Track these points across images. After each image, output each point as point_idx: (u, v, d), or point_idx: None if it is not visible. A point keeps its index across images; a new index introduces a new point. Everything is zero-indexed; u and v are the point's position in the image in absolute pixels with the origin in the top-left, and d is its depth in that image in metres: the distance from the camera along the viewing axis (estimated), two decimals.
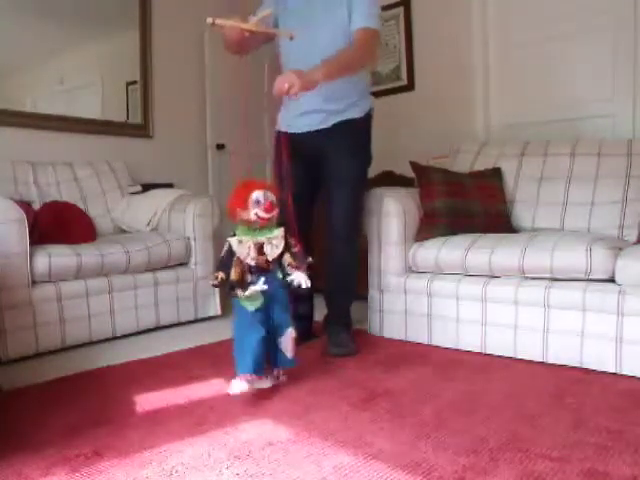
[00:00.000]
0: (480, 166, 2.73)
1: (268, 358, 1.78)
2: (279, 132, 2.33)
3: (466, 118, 3.53)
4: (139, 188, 3.27)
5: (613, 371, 1.89)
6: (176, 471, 1.28)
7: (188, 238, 2.85)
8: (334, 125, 2.24)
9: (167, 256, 2.73)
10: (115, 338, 2.54)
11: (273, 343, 1.77)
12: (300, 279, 1.74)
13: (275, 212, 1.74)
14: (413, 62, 3.79)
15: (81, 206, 2.97)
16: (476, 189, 2.52)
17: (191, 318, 2.85)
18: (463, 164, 2.79)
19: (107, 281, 2.51)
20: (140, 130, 3.65)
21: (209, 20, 1.78)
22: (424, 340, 2.35)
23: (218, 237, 2.89)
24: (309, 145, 2.27)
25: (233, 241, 1.73)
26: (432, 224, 2.43)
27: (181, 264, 2.85)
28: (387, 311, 2.47)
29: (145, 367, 2.10)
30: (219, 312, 2.94)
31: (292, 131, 2.29)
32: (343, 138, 2.23)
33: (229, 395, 1.69)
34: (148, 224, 2.98)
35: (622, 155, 2.40)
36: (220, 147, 3.95)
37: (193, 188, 3.61)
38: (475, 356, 2.16)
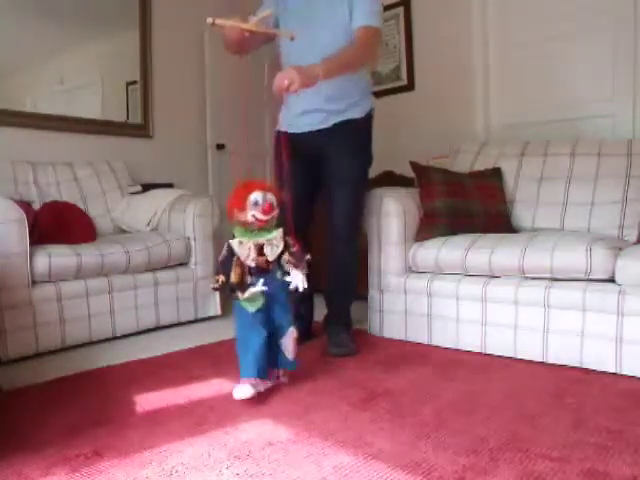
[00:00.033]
0: (480, 166, 2.73)
1: (269, 359, 1.78)
2: (279, 132, 2.33)
3: (466, 118, 3.53)
4: (139, 188, 3.27)
5: (613, 371, 1.89)
6: (176, 471, 1.28)
7: (188, 238, 2.85)
8: (335, 125, 2.24)
9: (167, 256, 2.73)
10: (115, 338, 2.54)
11: (274, 344, 1.77)
12: (297, 282, 1.72)
13: (273, 214, 1.72)
14: (413, 62, 3.80)
15: (81, 206, 2.97)
16: (476, 189, 2.52)
17: (191, 318, 2.85)
18: (463, 164, 2.79)
19: (107, 281, 2.51)
20: (140, 130, 3.65)
21: (209, 20, 1.78)
22: (424, 340, 2.35)
23: (218, 237, 2.89)
24: (310, 145, 2.27)
25: (234, 243, 1.72)
26: (432, 224, 2.43)
27: (181, 264, 2.85)
28: (387, 311, 2.47)
29: (145, 367, 2.10)
30: (219, 312, 2.94)
31: (293, 131, 2.29)
32: (344, 138, 2.23)
33: (230, 396, 1.69)
34: (148, 224, 2.98)
35: (622, 155, 2.40)
36: (220, 147, 3.95)
37: (193, 188, 3.61)
38: (475, 356, 2.16)
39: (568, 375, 1.90)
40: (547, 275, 2.04)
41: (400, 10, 3.79)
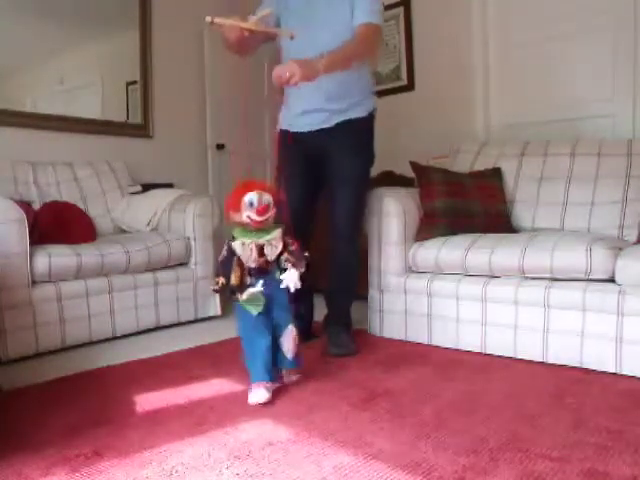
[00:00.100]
0: (480, 166, 2.73)
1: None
2: (280, 130, 2.32)
3: (466, 118, 3.53)
4: (139, 188, 3.27)
5: (613, 371, 1.89)
6: (176, 471, 1.28)
7: (188, 238, 2.85)
8: (337, 124, 2.24)
9: (167, 256, 2.73)
10: (115, 338, 2.54)
11: (275, 344, 1.76)
12: (289, 282, 1.71)
13: (269, 215, 1.70)
14: (413, 62, 3.80)
15: (81, 206, 2.97)
16: (476, 189, 2.52)
17: (191, 318, 2.85)
18: (463, 164, 2.79)
19: (107, 281, 2.50)
20: (140, 130, 3.65)
21: (208, 19, 1.77)
22: (424, 340, 2.35)
23: (218, 237, 2.89)
24: (311, 144, 2.27)
25: (236, 244, 1.72)
26: (432, 224, 2.43)
27: (181, 264, 2.85)
28: (387, 311, 2.47)
29: (145, 367, 2.10)
30: (219, 312, 2.94)
31: (294, 130, 2.29)
32: (346, 137, 2.23)
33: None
34: (148, 224, 2.98)
35: (622, 155, 2.40)
36: (220, 147, 3.95)
37: (193, 188, 3.61)
38: (475, 356, 2.16)
39: (568, 375, 1.90)
40: (547, 275, 2.04)
41: (400, 10, 3.79)
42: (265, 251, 1.72)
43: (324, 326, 2.40)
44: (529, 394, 1.73)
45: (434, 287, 2.30)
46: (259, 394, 1.67)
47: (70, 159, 3.16)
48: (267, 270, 1.74)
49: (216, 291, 1.75)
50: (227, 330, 2.57)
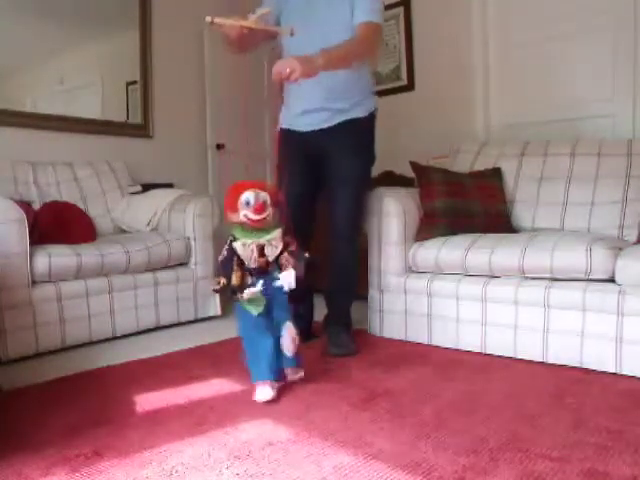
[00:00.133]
0: (480, 166, 2.73)
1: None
2: (280, 130, 2.32)
3: (466, 118, 3.53)
4: (139, 188, 3.27)
5: (613, 371, 1.89)
6: (176, 471, 1.28)
7: (188, 238, 2.85)
8: (338, 124, 2.24)
9: (167, 256, 2.73)
10: (115, 338, 2.54)
11: (276, 343, 1.76)
12: (284, 282, 1.71)
13: (266, 213, 1.69)
14: (413, 62, 3.80)
15: (81, 206, 2.97)
16: (476, 189, 2.52)
17: (191, 318, 2.85)
18: (463, 164, 2.79)
19: (107, 281, 2.50)
20: (140, 130, 3.64)
21: (208, 19, 1.78)
22: (424, 340, 2.35)
23: (218, 237, 2.89)
24: (312, 144, 2.27)
25: (237, 245, 1.71)
26: (432, 224, 2.43)
27: (181, 264, 2.85)
28: (387, 311, 2.47)
29: (145, 367, 2.10)
30: (219, 312, 2.94)
31: (294, 129, 2.29)
32: (346, 137, 2.23)
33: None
34: (148, 224, 2.98)
35: (622, 155, 2.40)
36: (220, 147, 3.95)
37: (193, 188, 3.61)
38: (475, 356, 2.16)
39: (568, 375, 1.90)
40: (547, 275, 2.04)
41: (400, 10, 3.80)
42: (266, 251, 1.72)
43: (324, 326, 2.40)
44: (529, 394, 1.73)
45: (434, 287, 2.30)
46: (265, 392, 1.67)
47: (70, 159, 3.16)
48: (267, 270, 1.74)
49: (217, 291, 1.75)
50: (227, 330, 2.57)
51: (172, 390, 1.82)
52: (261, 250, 1.71)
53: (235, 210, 1.70)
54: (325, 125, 2.24)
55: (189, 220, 2.86)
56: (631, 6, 2.94)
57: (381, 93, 3.79)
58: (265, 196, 1.70)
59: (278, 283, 1.71)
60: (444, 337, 2.29)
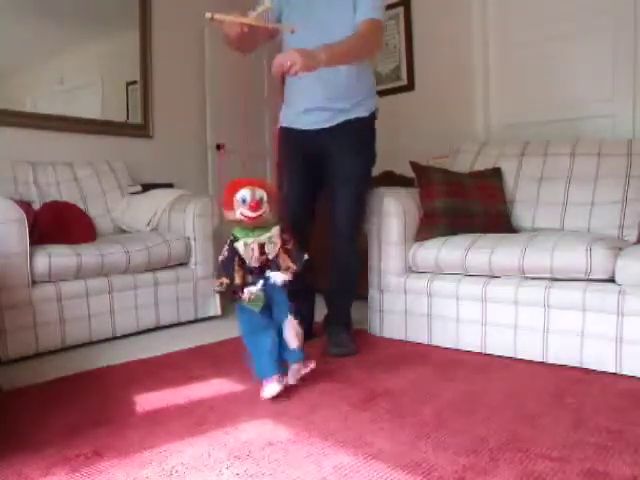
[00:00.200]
0: (480, 166, 2.73)
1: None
2: (281, 128, 2.32)
3: (466, 118, 3.53)
4: (139, 188, 3.27)
5: (613, 371, 1.89)
6: (176, 471, 1.28)
7: (188, 238, 2.85)
8: (338, 124, 2.24)
9: (167, 256, 2.73)
10: (115, 338, 2.54)
11: (279, 340, 1.75)
12: (277, 278, 1.71)
13: (262, 210, 1.68)
14: (413, 62, 3.80)
15: (81, 206, 2.97)
16: (476, 189, 2.52)
17: (191, 318, 2.85)
18: (463, 164, 2.79)
19: (107, 281, 2.50)
20: (140, 130, 3.65)
21: (208, 15, 1.77)
22: (424, 340, 2.35)
23: (218, 237, 2.89)
24: (312, 143, 2.27)
25: (239, 245, 1.71)
26: (432, 224, 2.43)
27: (181, 264, 2.85)
28: (387, 311, 2.47)
29: (145, 367, 2.10)
30: (219, 312, 2.94)
31: (295, 127, 2.29)
32: (347, 136, 2.23)
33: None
34: (148, 224, 2.98)
35: (622, 155, 2.40)
36: (220, 147, 3.94)
37: (193, 188, 3.61)
38: (475, 356, 2.16)
39: (568, 375, 1.90)
40: (547, 275, 2.03)
41: (400, 10, 3.79)
42: (266, 249, 1.72)
43: (324, 326, 2.41)
44: (529, 394, 1.73)
45: (434, 287, 2.30)
46: (272, 388, 1.67)
47: (70, 159, 3.16)
48: (267, 267, 1.74)
49: (219, 292, 1.75)
50: (227, 330, 2.57)
51: (172, 390, 1.82)
52: (261, 248, 1.71)
53: (232, 208, 1.69)
54: (327, 125, 2.24)
55: (189, 220, 2.86)
56: (631, 6, 2.94)
57: (381, 93, 3.78)
58: (262, 194, 1.69)
59: (272, 279, 1.71)
60: (444, 337, 2.29)
